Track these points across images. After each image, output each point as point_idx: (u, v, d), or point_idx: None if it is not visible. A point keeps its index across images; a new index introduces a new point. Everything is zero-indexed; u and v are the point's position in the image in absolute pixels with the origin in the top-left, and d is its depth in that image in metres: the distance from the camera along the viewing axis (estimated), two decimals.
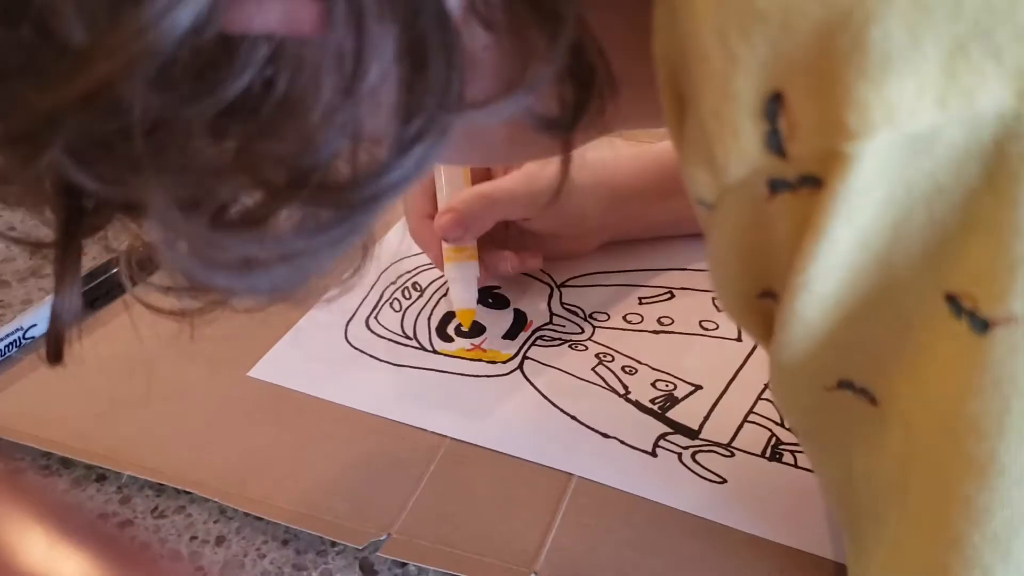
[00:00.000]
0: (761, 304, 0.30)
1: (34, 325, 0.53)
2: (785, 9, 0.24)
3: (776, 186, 0.26)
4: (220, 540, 0.44)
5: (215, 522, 0.45)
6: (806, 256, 0.26)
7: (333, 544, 0.43)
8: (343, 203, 0.27)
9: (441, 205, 0.54)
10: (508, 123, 0.29)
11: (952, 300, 0.26)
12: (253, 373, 0.52)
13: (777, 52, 0.24)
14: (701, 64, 0.25)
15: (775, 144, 0.25)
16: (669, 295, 0.56)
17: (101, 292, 0.56)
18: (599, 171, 0.57)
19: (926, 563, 0.28)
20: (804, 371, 0.29)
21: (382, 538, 0.43)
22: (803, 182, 0.25)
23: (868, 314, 0.27)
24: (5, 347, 0.52)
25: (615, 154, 0.58)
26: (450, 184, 0.54)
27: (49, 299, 0.54)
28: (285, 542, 0.44)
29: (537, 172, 0.54)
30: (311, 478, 0.46)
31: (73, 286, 0.30)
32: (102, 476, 0.47)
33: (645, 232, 0.59)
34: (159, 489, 0.46)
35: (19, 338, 0.53)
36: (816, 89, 0.24)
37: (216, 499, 0.45)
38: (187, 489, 0.45)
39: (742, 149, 0.25)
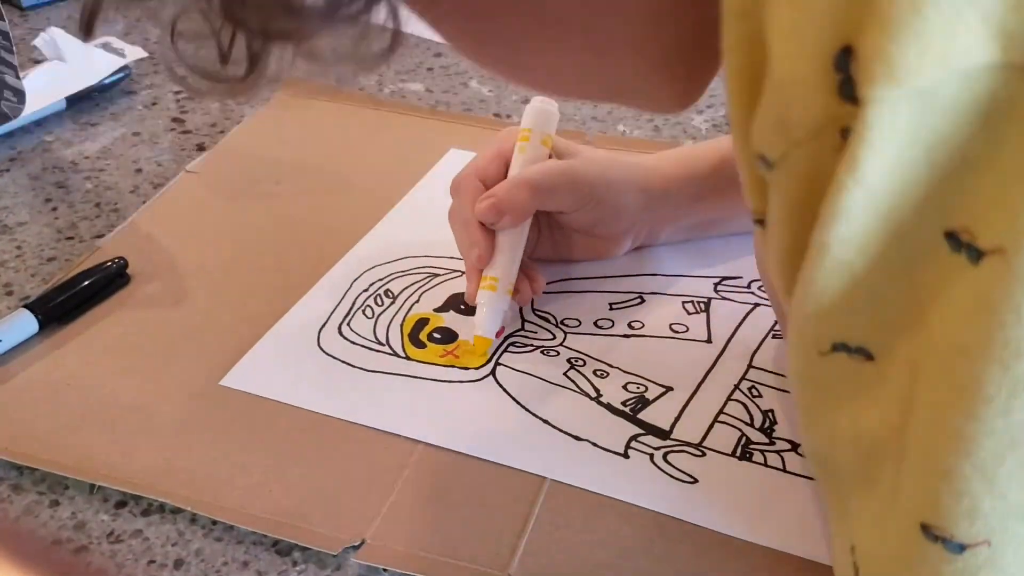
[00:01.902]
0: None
1: None
2: None
3: (846, 134, 0.27)
4: (179, 563, 0.43)
5: (173, 545, 0.44)
6: (828, 212, 0.28)
7: (295, 564, 0.43)
8: None
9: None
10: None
11: (951, 236, 0.27)
12: (225, 382, 0.52)
13: (839, 9, 0.27)
14: (780, 35, 0.28)
15: (848, 90, 0.27)
16: (639, 300, 0.57)
17: (69, 307, 0.56)
18: (635, 171, 0.57)
19: (919, 502, 0.29)
20: (804, 336, 0.31)
21: (356, 544, 0.43)
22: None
23: (876, 272, 0.29)
24: None
25: (650, 157, 0.59)
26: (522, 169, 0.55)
27: (10, 317, 0.53)
28: (245, 563, 0.43)
29: (577, 166, 0.55)
30: (284, 486, 0.46)
31: None
32: (55, 502, 0.46)
33: (673, 235, 0.60)
34: (115, 514, 0.45)
35: None
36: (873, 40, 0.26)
37: (188, 508, 0.45)
38: (158, 499, 0.45)
39: (810, 101, 0.28)
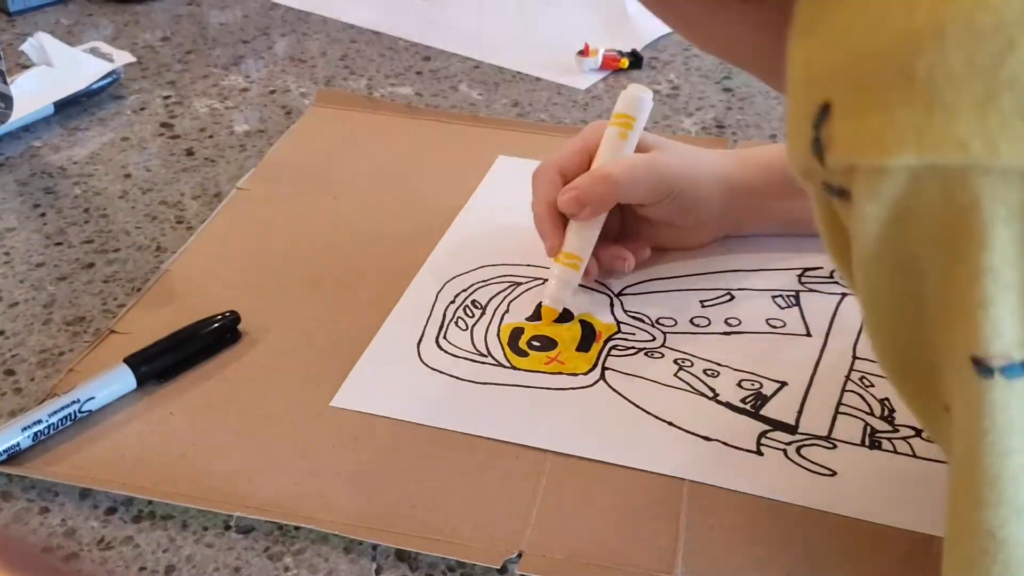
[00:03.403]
0: None
1: (91, 398, 0.49)
2: (848, 28, 0.26)
3: (827, 190, 0.28)
4: (170, 569, 0.43)
5: (164, 551, 0.44)
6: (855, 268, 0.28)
7: (286, 570, 0.43)
8: None
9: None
10: None
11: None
12: (336, 403, 0.51)
13: (832, 64, 0.26)
14: (791, 68, 0.28)
15: (817, 150, 0.27)
16: (729, 297, 0.58)
17: (174, 361, 0.53)
18: (717, 165, 0.58)
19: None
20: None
21: (514, 556, 0.43)
22: (839, 192, 0.27)
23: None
24: (59, 420, 0.48)
25: (733, 152, 0.60)
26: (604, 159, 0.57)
27: (105, 374, 0.51)
28: (237, 569, 0.43)
29: (658, 159, 0.57)
30: (425, 502, 0.45)
31: None
32: (45, 509, 0.45)
33: (759, 229, 0.60)
34: (105, 520, 0.45)
35: (75, 411, 0.49)
36: (856, 106, 0.25)
37: (342, 534, 0.44)
38: (311, 526, 0.44)
39: (797, 149, 0.27)
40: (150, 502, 0.46)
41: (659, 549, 0.43)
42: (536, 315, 0.57)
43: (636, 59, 0.82)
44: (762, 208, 0.59)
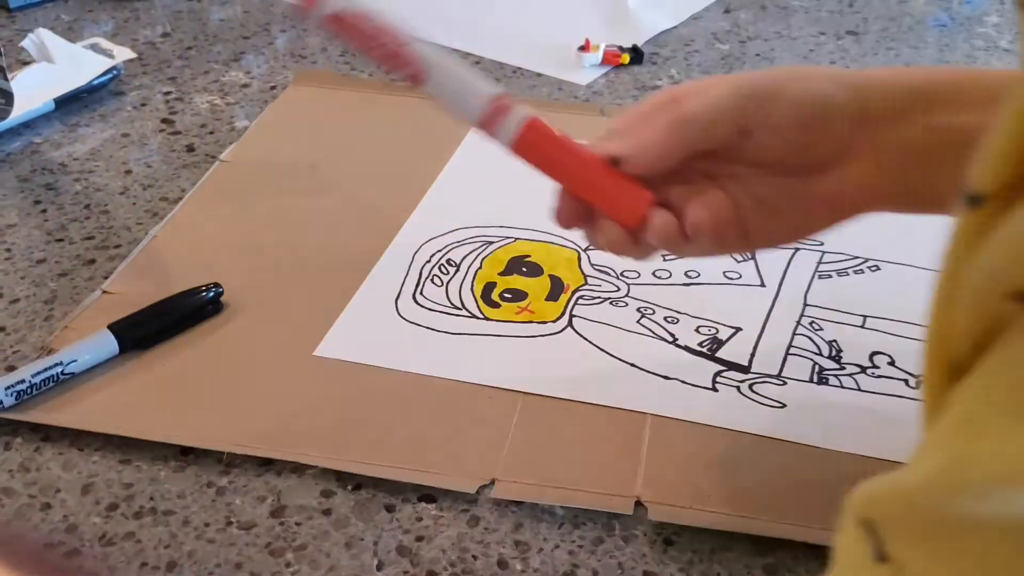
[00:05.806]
0: None
1: (73, 361, 0.51)
2: None
3: None
4: (171, 566, 0.43)
5: (166, 547, 0.44)
6: None
7: (288, 565, 0.43)
8: None
9: None
10: None
11: None
12: (318, 352, 0.54)
13: None
14: None
15: None
16: None
17: (156, 329, 0.55)
18: (819, 68, 0.44)
19: None
20: None
21: (488, 482, 0.46)
22: None
23: None
24: (42, 381, 0.50)
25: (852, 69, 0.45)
26: None
27: (88, 339, 0.53)
28: (239, 565, 0.43)
29: (734, 78, 0.41)
30: (403, 438, 0.49)
31: None
32: (47, 505, 0.46)
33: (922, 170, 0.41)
34: (106, 516, 0.45)
35: (58, 373, 0.51)
36: None
37: (324, 465, 0.47)
38: (297, 460, 0.47)
39: None
40: (152, 497, 0.46)
41: (621, 473, 0.46)
42: (508, 270, 0.60)
43: (637, 55, 0.82)
44: (908, 121, 0.40)
